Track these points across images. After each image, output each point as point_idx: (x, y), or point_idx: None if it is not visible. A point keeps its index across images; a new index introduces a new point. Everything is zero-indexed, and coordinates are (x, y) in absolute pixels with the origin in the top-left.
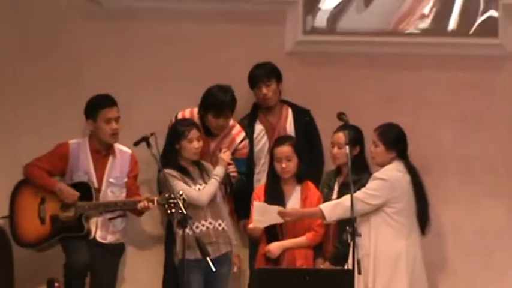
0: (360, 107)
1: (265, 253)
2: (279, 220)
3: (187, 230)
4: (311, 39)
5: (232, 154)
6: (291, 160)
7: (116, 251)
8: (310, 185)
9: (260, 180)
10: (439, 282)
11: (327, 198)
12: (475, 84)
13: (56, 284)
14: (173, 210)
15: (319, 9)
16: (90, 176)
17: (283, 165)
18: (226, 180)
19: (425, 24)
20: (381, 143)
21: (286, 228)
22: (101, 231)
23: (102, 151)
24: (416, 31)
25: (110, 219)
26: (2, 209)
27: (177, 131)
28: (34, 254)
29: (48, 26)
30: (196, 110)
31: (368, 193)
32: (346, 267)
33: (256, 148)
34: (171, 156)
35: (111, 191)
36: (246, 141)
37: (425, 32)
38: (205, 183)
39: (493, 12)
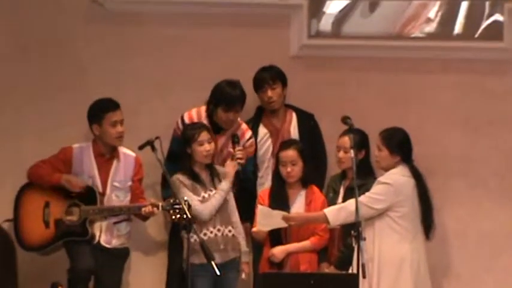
0: (365, 111)
1: (269, 257)
2: (282, 224)
3: (192, 235)
4: (316, 43)
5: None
6: (296, 164)
7: (121, 255)
8: (315, 189)
9: (263, 184)
10: (443, 286)
11: (332, 202)
12: (480, 87)
13: None
14: (178, 216)
15: (324, 13)
16: (95, 180)
17: (288, 170)
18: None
19: (430, 28)
20: (385, 147)
21: (290, 232)
22: (105, 235)
23: (106, 155)
24: (421, 35)
25: (115, 223)
26: (6, 213)
27: (187, 136)
28: (38, 257)
29: (52, 29)
30: (203, 108)
31: (372, 197)
32: (350, 271)
33: (260, 152)
34: (183, 161)
35: (116, 195)
36: (253, 140)
37: (430, 36)
38: (216, 189)
39: (498, 16)
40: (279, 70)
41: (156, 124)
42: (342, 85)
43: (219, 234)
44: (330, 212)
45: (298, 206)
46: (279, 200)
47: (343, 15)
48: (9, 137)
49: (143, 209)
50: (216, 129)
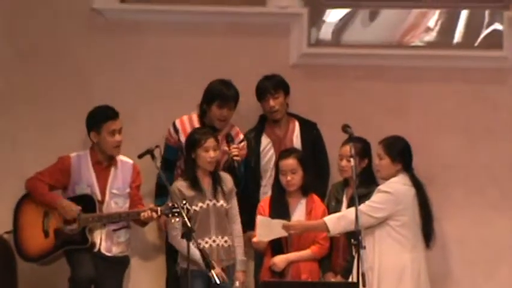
0: (365, 120)
1: (270, 266)
2: (283, 233)
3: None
4: (316, 52)
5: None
6: (296, 173)
7: (121, 264)
8: (315, 197)
9: (267, 193)
10: None
11: (335, 211)
12: (480, 96)
13: None
14: (177, 220)
15: (324, 21)
16: (93, 187)
17: (288, 178)
18: (231, 163)
19: (430, 37)
20: (386, 155)
21: (291, 241)
22: (105, 242)
23: (104, 162)
24: (421, 44)
25: (114, 230)
26: (5, 223)
27: (193, 139)
28: (38, 267)
29: (51, 37)
30: (194, 115)
31: (372, 206)
32: (350, 279)
33: (263, 161)
34: (187, 166)
35: (115, 202)
36: (245, 143)
37: (430, 45)
38: (216, 198)
39: (497, 25)
40: (280, 79)
41: (155, 132)
42: (342, 94)
43: (214, 245)
44: (330, 220)
45: (298, 214)
46: (280, 208)
47: (343, 24)
48: (8, 146)
49: (142, 213)
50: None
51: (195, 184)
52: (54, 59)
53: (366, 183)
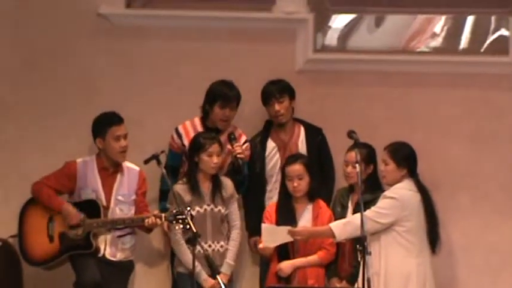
0: (371, 125)
1: (276, 272)
2: (288, 239)
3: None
4: (321, 58)
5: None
6: (302, 179)
7: (126, 268)
8: (322, 203)
9: (272, 198)
10: None
11: (341, 216)
12: (486, 102)
13: None
14: (181, 226)
15: (330, 27)
16: (99, 194)
17: (295, 184)
18: (234, 162)
19: (436, 42)
20: (391, 160)
21: (297, 247)
22: (110, 248)
23: (110, 169)
24: (427, 49)
25: (119, 236)
26: (11, 228)
27: (198, 143)
28: (43, 271)
29: (57, 42)
30: (196, 119)
31: (378, 212)
32: (356, 285)
33: (268, 166)
34: (189, 169)
35: (120, 209)
36: (248, 144)
37: (436, 51)
38: (214, 203)
39: (503, 31)
40: (286, 84)
41: (161, 138)
42: (348, 99)
43: (210, 250)
44: (335, 226)
45: (305, 220)
46: (286, 214)
47: (349, 29)
48: (13, 152)
49: (146, 220)
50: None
51: (194, 188)
52: (60, 64)
53: (371, 189)
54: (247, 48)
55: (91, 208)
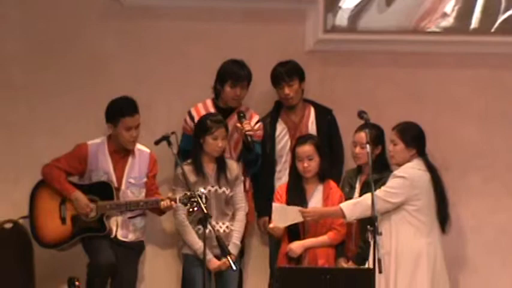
0: (381, 106)
1: (286, 252)
2: (299, 219)
3: (199, 227)
4: (332, 38)
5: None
6: (312, 159)
7: (137, 249)
8: (332, 184)
9: (281, 178)
10: (459, 280)
11: (348, 197)
12: (497, 82)
13: (77, 283)
14: (195, 209)
15: (340, 7)
16: (110, 176)
17: (305, 165)
18: (246, 140)
19: (447, 22)
20: (400, 140)
21: (308, 227)
22: (121, 230)
23: (121, 151)
24: (437, 29)
25: (130, 218)
26: (21, 209)
27: (204, 126)
28: (55, 252)
29: (68, 24)
30: (208, 100)
31: (388, 191)
32: (367, 265)
33: (278, 147)
34: (194, 150)
35: (131, 191)
36: (261, 124)
37: (447, 31)
38: (218, 184)
39: None
40: (295, 65)
41: (172, 119)
42: (358, 80)
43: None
44: (346, 206)
45: (315, 201)
46: (296, 195)
47: (359, 9)
48: (23, 134)
49: (162, 202)
50: (224, 114)
51: (198, 169)
52: (70, 46)
53: (379, 169)
54: (257, 29)
55: (103, 190)
